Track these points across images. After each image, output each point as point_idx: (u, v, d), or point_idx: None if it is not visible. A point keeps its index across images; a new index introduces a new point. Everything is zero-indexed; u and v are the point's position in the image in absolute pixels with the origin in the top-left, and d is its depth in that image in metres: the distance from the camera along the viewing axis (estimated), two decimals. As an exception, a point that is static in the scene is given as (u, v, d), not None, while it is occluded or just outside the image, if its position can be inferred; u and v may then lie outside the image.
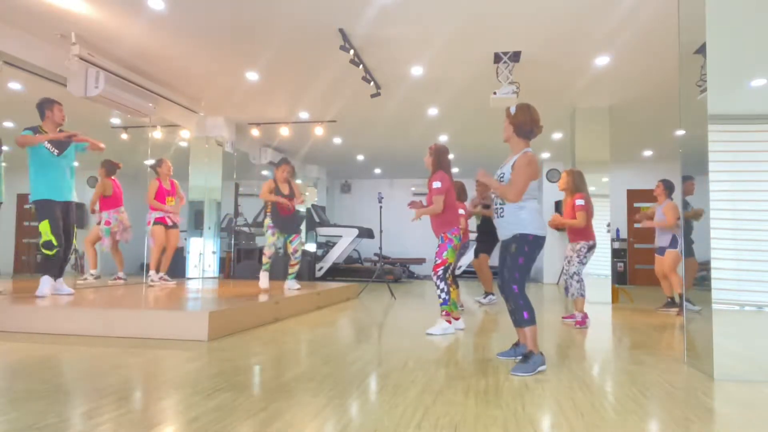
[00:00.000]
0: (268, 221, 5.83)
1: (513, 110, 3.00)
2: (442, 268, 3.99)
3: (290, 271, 6.01)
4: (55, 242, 4.55)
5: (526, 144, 2.99)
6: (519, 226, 2.89)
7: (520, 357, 2.86)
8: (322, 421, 1.91)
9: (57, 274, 4.71)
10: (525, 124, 2.95)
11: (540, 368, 2.76)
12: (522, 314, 2.85)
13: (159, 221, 6.38)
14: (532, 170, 2.87)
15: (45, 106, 4.67)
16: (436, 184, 4.02)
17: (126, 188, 6.94)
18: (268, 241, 5.80)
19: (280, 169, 5.90)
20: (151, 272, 6.45)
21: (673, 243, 5.76)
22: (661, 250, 5.85)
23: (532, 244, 2.87)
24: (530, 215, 2.89)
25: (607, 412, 2.08)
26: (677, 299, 5.84)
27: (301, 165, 12.38)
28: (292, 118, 8.46)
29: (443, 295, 4.00)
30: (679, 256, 5.68)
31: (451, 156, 4.25)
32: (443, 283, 4.00)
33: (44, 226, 4.54)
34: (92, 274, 6.55)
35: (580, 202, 4.65)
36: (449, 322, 4.00)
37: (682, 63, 3.16)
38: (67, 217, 4.74)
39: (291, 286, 5.93)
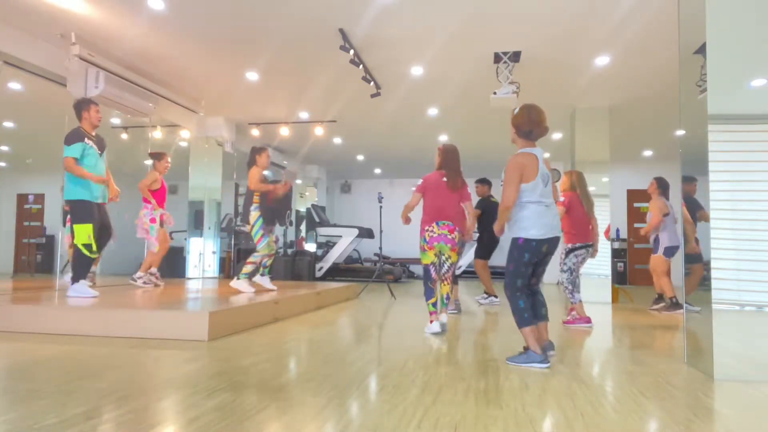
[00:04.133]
0: (256, 214, 5.38)
1: (516, 111, 3.05)
2: (423, 269, 4.15)
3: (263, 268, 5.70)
4: (95, 247, 4.54)
5: (526, 144, 3.03)
6: (512, 230, 3.00)
7: (552, 353, 3.09)
8: (322, 421, 1.91)
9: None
10: (523, 125, 3.00)
11: (533, 365, 2.83)
12: (515, 317, 2.96)
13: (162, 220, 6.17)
14: (514, 173, 2.92)
15: (82, 107, 4.66)
16: (420, 182, 4.19)
17: (125, 188, 6.91)
18: (264, 251, 5.42)
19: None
20: (141, 273, 6.18)
21: (655, 247, 5.77)
22: (656, 249, 5.86)
23: (520, 248, 2.93)
24: (526, 221, 2.93)
25: (607, 412, 2.08)
26: (667, 300, 5.84)
27: (301, 165, 12.38)
28: (292, 118, 8.46)
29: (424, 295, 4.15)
30: (664, 259, 5.71)
31: None
32: (425, 285, 4.14)
33: (86, 229, 4.48)
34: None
35: (561, 199, 4.71)
36: (431, 321, 4.05)
37: (682, 63, 3.16)
38: (103, 218, 4.77)
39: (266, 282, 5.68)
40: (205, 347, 3.30)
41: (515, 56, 5.71)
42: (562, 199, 4.70)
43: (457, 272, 10.77)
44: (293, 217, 11.14)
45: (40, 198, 11.61)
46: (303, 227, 11.78)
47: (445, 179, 4.11)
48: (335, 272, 10.81)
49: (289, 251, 10.92)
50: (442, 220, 4.01)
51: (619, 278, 10.68)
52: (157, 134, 7.84)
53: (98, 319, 3.71)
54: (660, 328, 4.56)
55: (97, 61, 5.65)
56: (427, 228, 4.02)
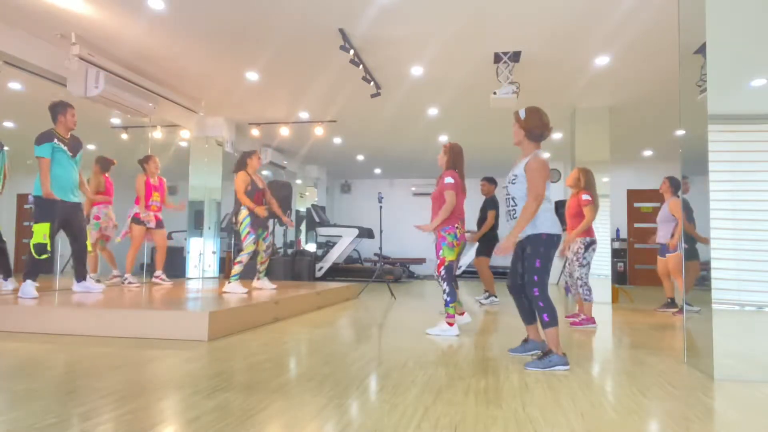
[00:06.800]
0: (245, 212, 5.42)
1: (522, 114, 3.02)
2: (443, 267, 3.97)
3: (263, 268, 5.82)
4: (49, 247, 4.49)
5: (537, 146, 3.05)
6: (531, 226, 2.92)
7: (535, 353, 2.98)
8: (322, 421, 1.91)
9: (33, 275, 4.68)
10: (536, 127, 3.00)
11: (557, 368, 2.79)
12: (542, 317, 2.87)
13: (135, 218, 6.22)
14: (546, 172, 2.93)
15: (58, 110, 4.66)
16: (449, 180, 4.04)
17: (126, 188, 6.92)
18: (249, 248, 5.41)
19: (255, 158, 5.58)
20: (127, 275, 6.21)
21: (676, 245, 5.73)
22: (663, 251, 5.83)
23: (546, 244, 2.90)
24: (542, 215, 2.92)
25: (607, 412, 2.08)
26: (667, 300, 5.83)
27: (301, 165, 12.38)
28: (292, 118, 8.46)
29: (445, 297, 3.96)
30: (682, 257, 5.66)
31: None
32: (446, 283, 3.96)
33: (43, 228, 4.46)
34: (116, 275, 6.57)
35: (586, 197, 4.67)
36: (450, 324, 3.94)
37: (682, 63, 3.16)
38: (76, 218, 4.77)
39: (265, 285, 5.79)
40: (205, 347, 3.30)
41: (515, 56, 5.71)
42: (587, 197, 4.68)
43: (458, 272, 10.77)
44: (293, 217, 11.14)
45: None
46: (303, 227, 11.77)
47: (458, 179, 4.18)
48: (335, 272, 10.81)
49: (289, 251, 10.92)
50: (461, 219, 4.08)
51: (619, 278, 10.68)
52: (157, 134, 7.84)
53: (98, 319, 3.71)
54: (660, 328, 4.56)
55: (97, 61, 5.65)
56: (456, 225, 4.02)
